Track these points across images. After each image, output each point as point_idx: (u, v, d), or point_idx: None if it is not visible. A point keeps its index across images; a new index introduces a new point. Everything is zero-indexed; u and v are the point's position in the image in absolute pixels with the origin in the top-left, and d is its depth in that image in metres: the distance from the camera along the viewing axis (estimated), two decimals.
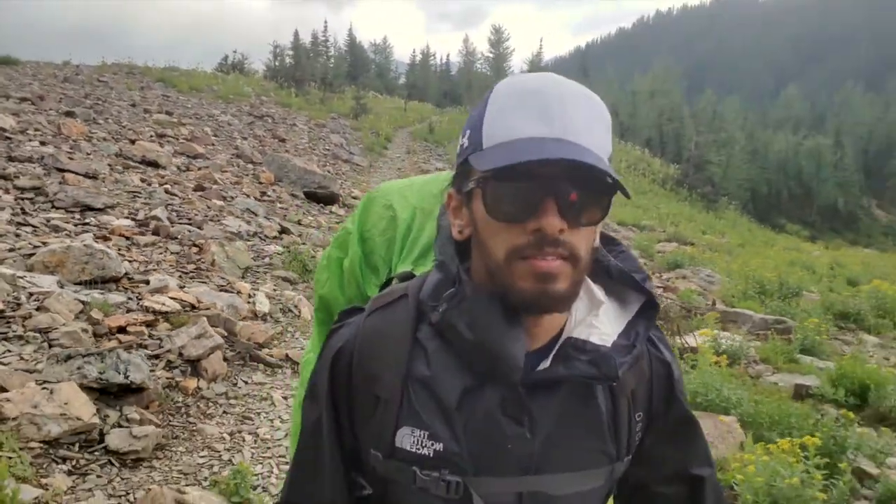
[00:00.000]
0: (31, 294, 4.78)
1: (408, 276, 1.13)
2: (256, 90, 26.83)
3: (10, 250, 5.56)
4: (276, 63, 34.40)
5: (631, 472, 1.06)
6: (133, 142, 11.85)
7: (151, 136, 13.02)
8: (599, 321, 0.96)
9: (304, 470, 1.06)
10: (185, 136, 14.24)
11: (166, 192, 9.24)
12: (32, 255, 5.50)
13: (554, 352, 0.94)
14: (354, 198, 14.01)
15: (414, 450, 0.94)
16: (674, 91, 57.14)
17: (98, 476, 3.38)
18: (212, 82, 25.41)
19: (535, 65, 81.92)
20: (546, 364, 0.93)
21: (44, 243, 5.82)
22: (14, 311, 4.49)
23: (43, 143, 9.84)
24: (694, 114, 41.54)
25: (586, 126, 0.87)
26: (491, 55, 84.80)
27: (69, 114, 12.76)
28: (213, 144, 14.63)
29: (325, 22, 49.82)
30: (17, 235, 6.01)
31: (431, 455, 0.93)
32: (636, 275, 1.01)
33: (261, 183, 12.47)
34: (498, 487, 0.94)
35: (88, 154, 10.09)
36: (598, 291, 0.99)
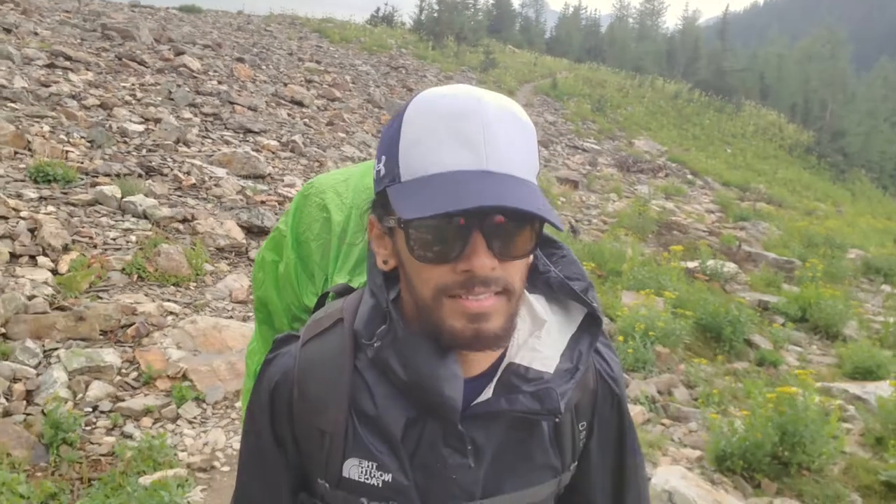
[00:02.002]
0: (210, 177, 7.68)
1: (345, 291, 1.09)
2: (398, 43, 29.62)
3: (199, 151, 8.56)
4: (422, 17, 37.12)
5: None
6: (286, 85, 14.93)
7: (301, 82, 16.08)
8: (542, 343, 0.94)
9: (248, 496, 1.07)
10: (328, 82, 17.22)
11: (304, 124, 12.17)
12: (212, 155, 8.46)
13: (495, 380, 0.92)
14: None
15: (362, 480, 0.93)
16: (838, 56, 53.95)
17: (243, 268, 6.16)
18: (360, 34, 28.46)
19: (691, 22, 79.50)
20: (488, 394, 0.91)
21: (219, 149, 8.79)
22: (201, 185, 7.39)
23: (219, 83, 13.04)
24: (831, 81, 39.71)
25: (512, 148, 0.83)
26: (645, 9, 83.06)
27: (240, 59, 16.04)
28: (349, 90, 17.53)
29: None
30: (202, 143, 9.02)
31: (380, 486, 0.93)
32: (577, 283, 0.98)
33: (381, 124, 15.20)
34: None
35: (252, 93, 13.20)
36: (540, 307, 0.96)
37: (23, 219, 5.46)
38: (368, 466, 0.93)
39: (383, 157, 0.87)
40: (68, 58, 10.93)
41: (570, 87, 30.57)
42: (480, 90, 0.86)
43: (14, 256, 5.05)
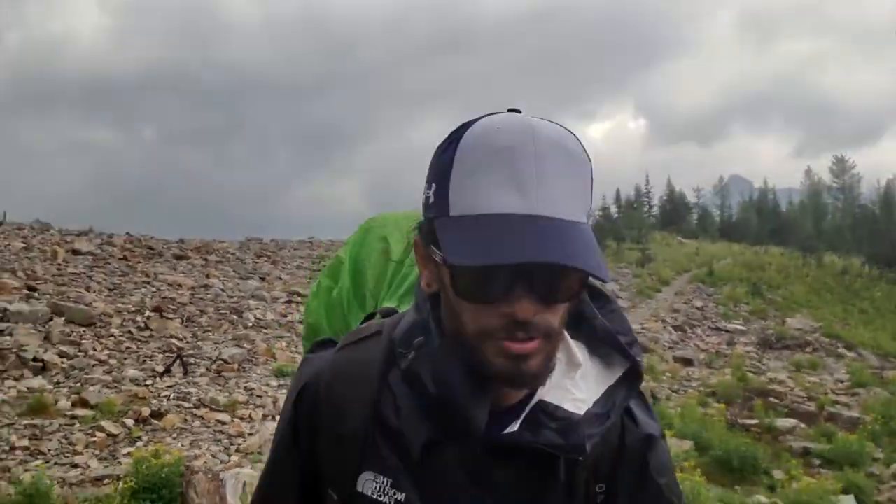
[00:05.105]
0: None
1: (390, 313, 1.11)
2: None
3: None
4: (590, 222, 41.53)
5: None
6: None
7: None
8: (575, 385, 0.92)
9: (269, 489, 1.09)
10: None
11: None
12: None
13: (523, 415, 0.89)
14: None
15: (375, 496, 0.92)
16: None
17: None
18: None
19: (890, 192, 76.34)
20: (514, 428, 0.89)
21: None
22: None
23: None
24: None
25: (563, 187, 0.82)
26: (835, 185, 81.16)
27: None
28: None
29: (647, 176, 56.42)
30: None
31: None
32: (623, 337, 0.96)
33: None
34: None
35: None
36: (579, 351, 0.95)
37: (269, 397, 9.71)
38: (384, 483, 0.92)
39: (433, 185, 0.87)
40: (300, 294, 16.16)
41: (727, 273, 32.47)
42: (537, 121, 0.85)
43: (264, 416, 9.21)
